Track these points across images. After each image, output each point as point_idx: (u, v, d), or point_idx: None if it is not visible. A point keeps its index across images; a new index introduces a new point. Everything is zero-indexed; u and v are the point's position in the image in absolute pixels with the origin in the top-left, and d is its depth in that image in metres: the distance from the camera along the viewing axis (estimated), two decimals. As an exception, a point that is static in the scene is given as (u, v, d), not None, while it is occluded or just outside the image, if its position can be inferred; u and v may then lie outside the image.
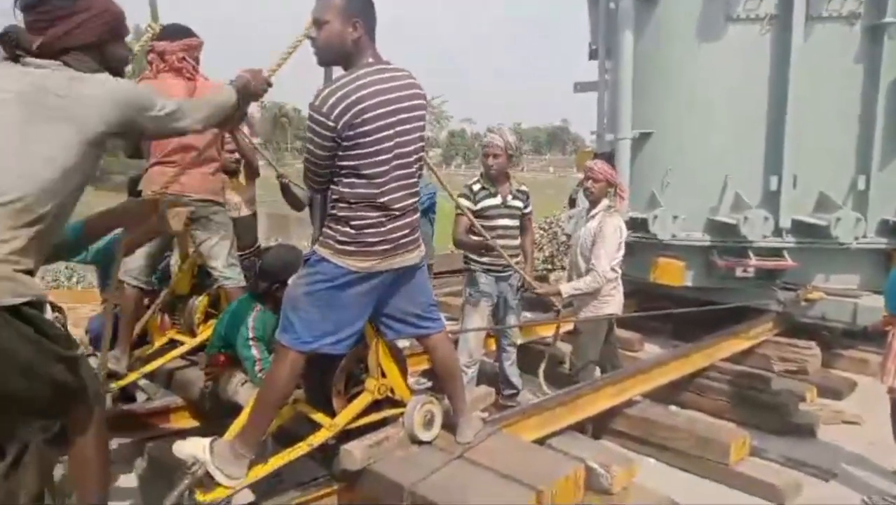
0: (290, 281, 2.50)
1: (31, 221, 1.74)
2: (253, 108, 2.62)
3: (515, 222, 3.99)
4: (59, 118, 1.78)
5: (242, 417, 2.42)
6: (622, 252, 3.78)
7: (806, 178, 5.10)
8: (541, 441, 3.12)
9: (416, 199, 2.40)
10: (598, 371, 3.91)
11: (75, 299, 6.07)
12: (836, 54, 5.06)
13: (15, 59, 1.85)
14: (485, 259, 3.91)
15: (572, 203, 6.38)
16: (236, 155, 4.44)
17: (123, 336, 3.32)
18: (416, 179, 2.39)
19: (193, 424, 3.49)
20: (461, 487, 2.23)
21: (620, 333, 4.71)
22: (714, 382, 4.38)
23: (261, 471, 2.32)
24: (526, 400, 3.92)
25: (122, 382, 3.32)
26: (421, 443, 2.50)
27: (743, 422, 4.00)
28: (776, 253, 5.16)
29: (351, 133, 2.18)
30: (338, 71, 2.34)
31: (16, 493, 1.83)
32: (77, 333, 3.14)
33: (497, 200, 3.92)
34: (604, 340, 3.88)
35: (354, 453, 2.33)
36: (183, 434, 2.79)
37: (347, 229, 2.26)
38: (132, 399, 3.83)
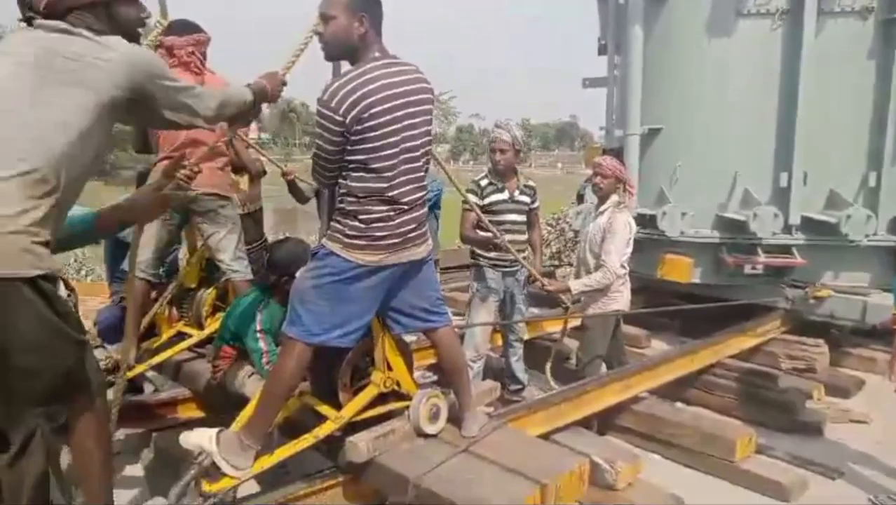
0: (298, 274, 2.51)
1: (50, 191, 1.73)
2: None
3: (522, 217, 3.99)
4: (71, 82, 1.77)
5: (249, 409, 2.44)
6: (630, 248, 3.77)
7: (816, 174, 5.04)
8: (546, 436, 3.12)
9: (423, 193, 2.41)
10: (604, 367, 3.91)
11: (84, 292, 6.08)
12: (849, 50, 4.99)
13: (28, 21, 1.85)
14: (492, 254, 3.91)
15: (580, 199, 6.35)
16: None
17: (131, 328, 3.34)
18: (423, 174, 2.40)
19: (200, 415, 3.50)
20: (466, 480, 2.23)
21: (627, 329, 4.70)
22: (721, 379, 4.36)
23: (267, 462, 2.34)
24: (532, 395, 3.92)
25: (131, 374, 3.34)
26: (426, 436, 2.51)
27: (749, 419, 3.97)
28: (785, 250, 5.11)
29: (359, 127, 2.19)
30: (346, 66, 2.35)
31: (21, 481, 1.84)
32: (86, 324, 3.16)
33: (504, 196, 3.92)
34: (611, 337, 3.87)
35: (360, 446, 2.34)
36: (190, 425, 2.82)
37: (356, 223, 2.26)
38: (140, 390, 3.86)
